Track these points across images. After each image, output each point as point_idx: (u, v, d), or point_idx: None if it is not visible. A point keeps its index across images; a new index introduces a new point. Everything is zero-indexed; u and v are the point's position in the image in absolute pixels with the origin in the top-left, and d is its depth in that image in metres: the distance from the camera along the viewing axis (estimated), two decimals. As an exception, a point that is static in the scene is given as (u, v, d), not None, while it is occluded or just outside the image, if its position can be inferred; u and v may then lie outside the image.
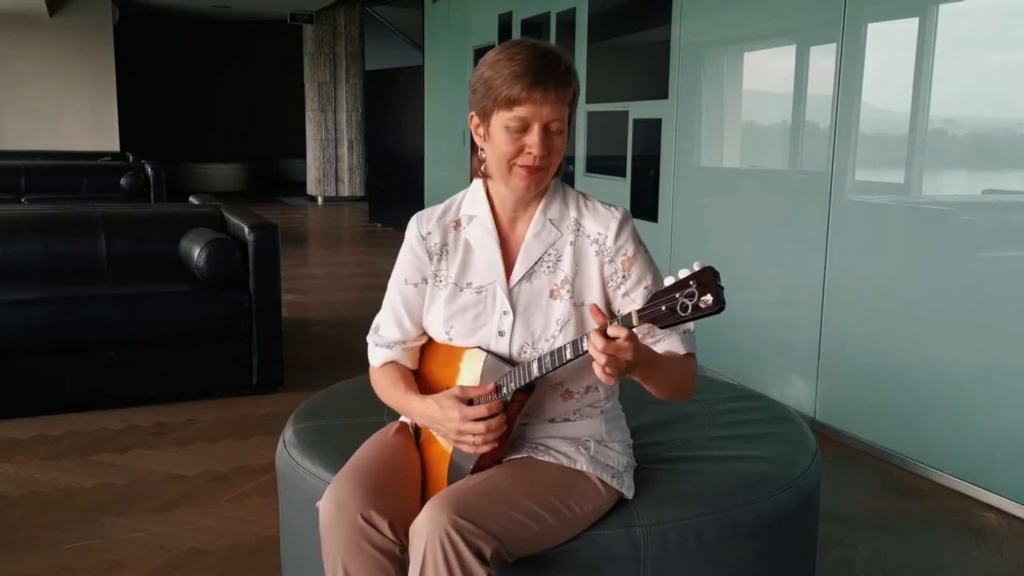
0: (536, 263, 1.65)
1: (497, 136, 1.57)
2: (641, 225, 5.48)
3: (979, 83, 3.18)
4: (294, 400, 2.83)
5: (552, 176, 1.65)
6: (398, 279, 1.75)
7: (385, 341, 1.75)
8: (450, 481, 1.64)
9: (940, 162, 3.41)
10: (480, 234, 1.68)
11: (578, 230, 1.66)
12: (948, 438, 3.21)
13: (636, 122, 5.05)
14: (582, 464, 1.65)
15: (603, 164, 5.51)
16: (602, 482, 1.67)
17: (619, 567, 1.67)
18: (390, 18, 10.86)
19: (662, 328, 1.37)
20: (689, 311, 1.28)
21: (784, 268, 3.98)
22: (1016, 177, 3.14)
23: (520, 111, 1.53)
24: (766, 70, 4.36)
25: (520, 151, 1.56)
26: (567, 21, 5.85)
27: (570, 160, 5.91)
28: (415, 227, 1.73)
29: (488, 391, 1.57)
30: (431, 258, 1.71)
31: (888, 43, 3.50)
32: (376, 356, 1.77)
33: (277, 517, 2.17)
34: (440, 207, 1.75)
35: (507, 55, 1.54)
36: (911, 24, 3.32)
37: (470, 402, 1.57)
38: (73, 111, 11.99)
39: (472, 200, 1.72)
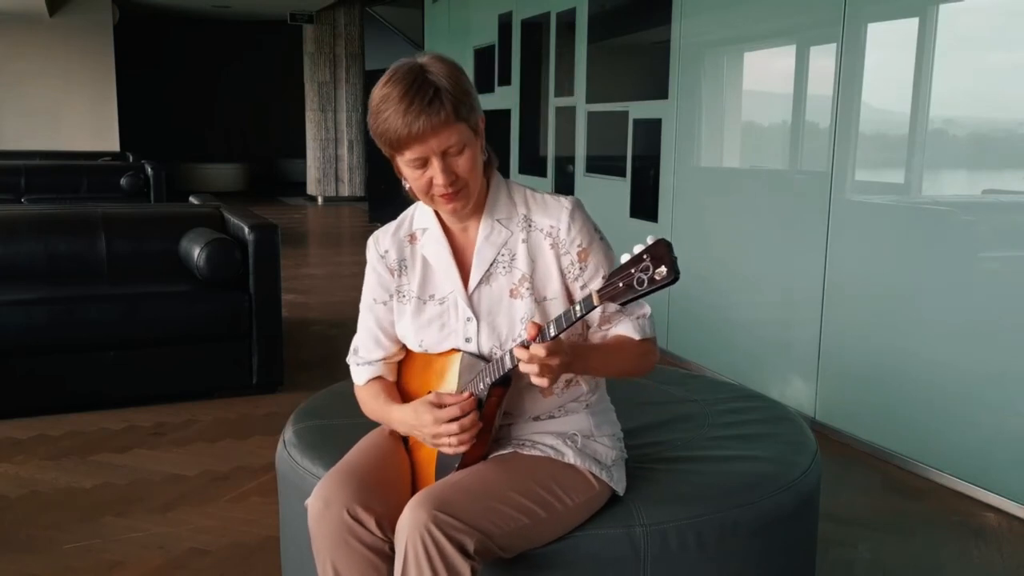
0: (491, 265, 1.65)
1: (406, 173, 1.58)
2: (641, 225, 5.46)
3: (979, 83, 3.18)
4: (294, 400, 2.82)
5: (478, 189, 1.62)
6: (367, 300, 1.77)
7: (365, 360, 1.79)
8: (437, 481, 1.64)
9: (940, 162, 3.40)
10: (434, 246, 1.69)
11: (529, 226, 1.65)
12: (948, 438, 3.21)
13: (636, 122, 5.05)
14: (570, 457, 1.65)
15: (603, 164, 5.51)
16: (593, 475, 1.67)
17: (619, 567, 1.66)
18: (390, 18, 10.86)
19: (622, 305, 1.38)
20: (645, 284, 1.29)
21: (784, 268, 3.98)
22: (1016, 177, 3.14)
23: (410, 153, 1.52)
24: (766, 70, 4.36)
25: (430, 183, 1.56)
26: (567, 21, 5.85)
27: (570, 160, 5.91)
28: (373, 247, 1.75)
29: (463, 399, 1.58)
30: (392, 275, 1.72)
31: (888, 43, 3.50)
32: (360, 375, 1.80)
33: (277, 517, 2.17)
34: (394, 223, 1.76)
35: (381, 96, 1.51)
36: (911, 24, 3.32)
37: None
38: (73, 111, 11.99)
39: (422, 213, 1.73)
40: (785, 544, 1.91)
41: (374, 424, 1.87)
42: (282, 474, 2.04)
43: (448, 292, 1.67)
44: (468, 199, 1.61)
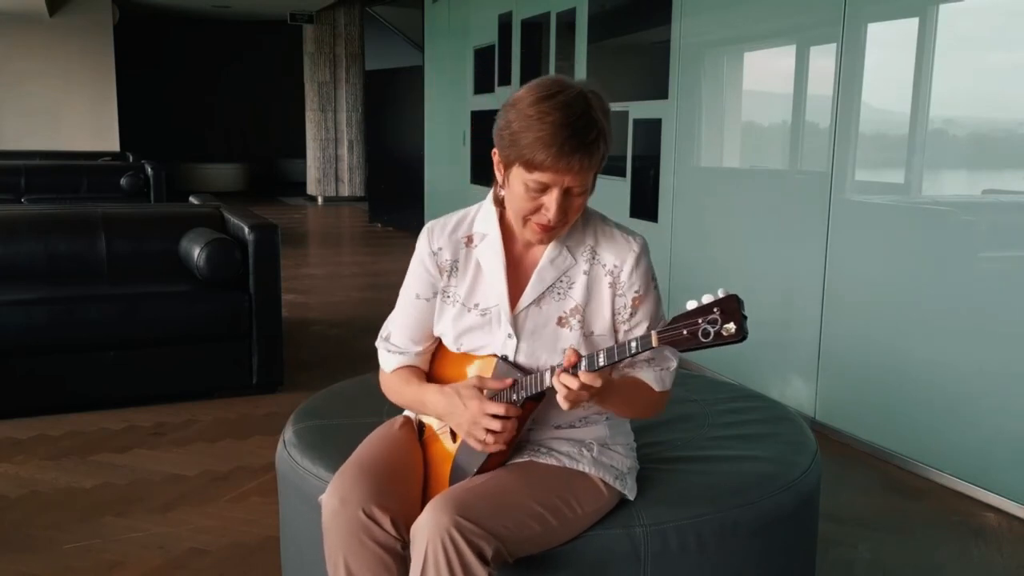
0: (548, 289, 1.63)
1: (515, 189, 1.54)
2: (641, 225, 5.46)
3: (979, 83, 3.18)
4: (294, 400, 2.82)
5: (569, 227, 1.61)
6: (410, 293, 1.73)
7: (396, 348, 1.75)
8: (452, 481, 1.64)
9: (940, 162, 3.41)
10: (490, 256, 1.66)
11: (593, 258, 1.64)
12: (948, 438, 3.21)
13: (636, 122, 5.05)
14: (584, 466, 1.65)
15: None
16: (604, 483, 1.67)
17: (619, 567, 1.67)
18: (390, 18, 10.86)
19: (682, 352, 1.37)
20: (711, 338, 1.27)
21: (784, 268, 3.98)
22: (1016, 177, 3.14)
23: (541, 176, 1.49)
24: (766, 70, 4.36)
25: (536, 210, 1.53)
26: (567, 21, 5.85)
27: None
28: (426, 241, 1.70)
29: (507, 385, 1.57)
30: (442, 274, 1.69)
31: (888, 43, 3.50)
32: (389, 362, 1.77)
33: (277, 517, 2.17)
34: (453, 219, 1.71)
35: (538, 112, 1.46)
36: (911, 24, 3.32)
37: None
38: (73, 111, 11.98)
39: (485, 218, 1.69)
40: (785, 544, 1.91)
41: (376, 424, 1.87)
42: (282, 474, 2.04)
43: (493, 305, 1.65)
44: (556, 236, 1.60)
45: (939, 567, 2.65)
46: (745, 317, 1.25)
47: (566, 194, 1.51)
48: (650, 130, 4.91)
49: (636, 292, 1.62)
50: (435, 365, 1.78)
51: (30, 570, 2.50)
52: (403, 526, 1.54)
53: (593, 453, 1.68)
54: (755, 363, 4.19)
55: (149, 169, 8.24)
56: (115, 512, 2.88)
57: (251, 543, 2.67)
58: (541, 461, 1.65)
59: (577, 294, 1.62)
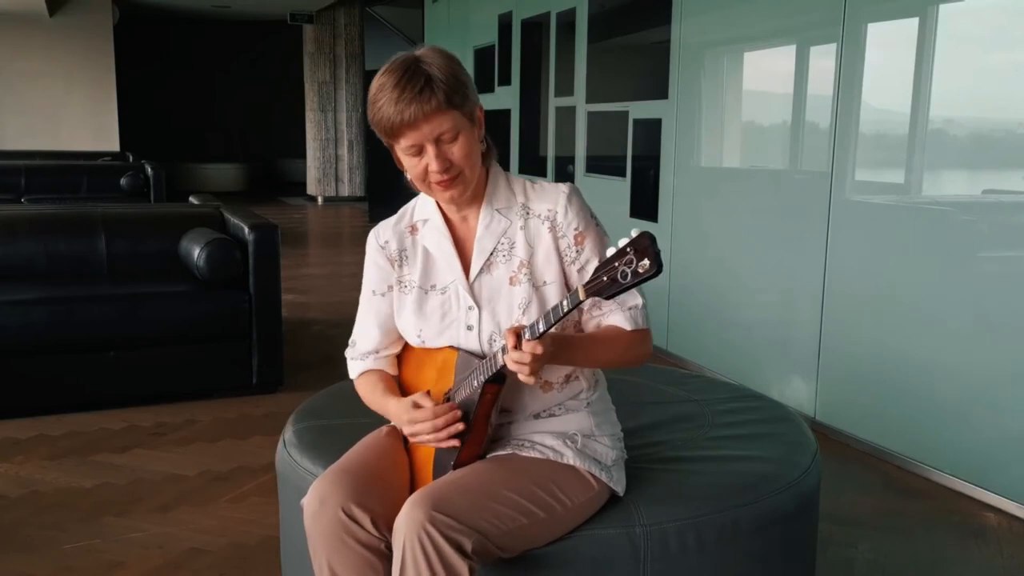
0: (491, 254, 1.67)
1: (404, 162, 1.61)
2: (641, 225, 5.45)
3: (979, 83, 3.18)
4: (294, 400, 2.82)
5: (475, 177, 1.64)
6: (367, 292, 1.79)
7: (360, 353, 1.81)
8: (435, 479, 1.64)
9: (940, 162, 3.41)
10: (435, 236, 1.71)
11: (527, 213, 1.67)
12: (948, 438, 3.21)
13: (636, 122, 5.05)
14: (569, 458, 1.65)
15: (603, 164, 5.51)
16: (592, 475, 1.67)
17: (619, 567, 1.66)
18: (390, 18, 10.87)
19: (607, 299, 1.39)
20: (629, 278, 1.30)
21: (784, 268, 3.98)
22: (1016, 177, 3.14)
23: (405, 141, 1.55)
24: (766, 70, 4.36)
25: (426, 170, 1.58)
26: (567, 21, 5.85)
27: (570, 160, 5.91)
28: (373, 239, 1.76)
29: (442, 407, 1.60)
30: (392, 265, 1.74)
31: (888, 43, 3.50)
32: (353, 369, 1.84)
33: (277, 517, 2.18)
34: (395, 216, 1.78)
35: (378, 86, 1.55)
36: (911, 24, 3.32)
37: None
38: (73, 111, 11.98)
39: (423, 204, 1.75)
40: (785, 544, 1.91)
41: (375, 424, 1.87)
42: (282, 474, 2.04)
43: (450, 282, 1.68)
44: (464, 186, 1.62)
45: (939, 567, 2.65)
46: (658, 251, 1.29)
47: (440, 144, 1.56)
48: (650, 130, 4.91)
49: (576, 229, 1.64)
50: (402, 371, 1.80)
51: (30, 570, 2.50)
52: (386, 526, 1.54)
53: (577, 445, 1.68)
54: (755, 363, 4.19)
55: (149, 169, 8.24)
56: (115, 512, 2.88)
57: (251, 543, 2.67)
58: (524, 455, 1.65)
59: (520, 251, 1.65)
